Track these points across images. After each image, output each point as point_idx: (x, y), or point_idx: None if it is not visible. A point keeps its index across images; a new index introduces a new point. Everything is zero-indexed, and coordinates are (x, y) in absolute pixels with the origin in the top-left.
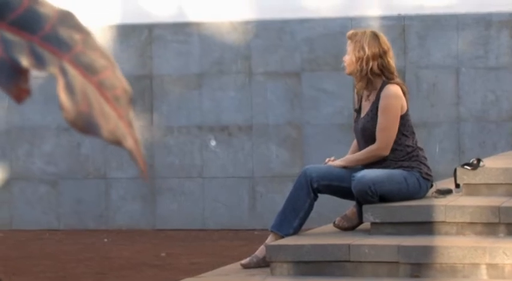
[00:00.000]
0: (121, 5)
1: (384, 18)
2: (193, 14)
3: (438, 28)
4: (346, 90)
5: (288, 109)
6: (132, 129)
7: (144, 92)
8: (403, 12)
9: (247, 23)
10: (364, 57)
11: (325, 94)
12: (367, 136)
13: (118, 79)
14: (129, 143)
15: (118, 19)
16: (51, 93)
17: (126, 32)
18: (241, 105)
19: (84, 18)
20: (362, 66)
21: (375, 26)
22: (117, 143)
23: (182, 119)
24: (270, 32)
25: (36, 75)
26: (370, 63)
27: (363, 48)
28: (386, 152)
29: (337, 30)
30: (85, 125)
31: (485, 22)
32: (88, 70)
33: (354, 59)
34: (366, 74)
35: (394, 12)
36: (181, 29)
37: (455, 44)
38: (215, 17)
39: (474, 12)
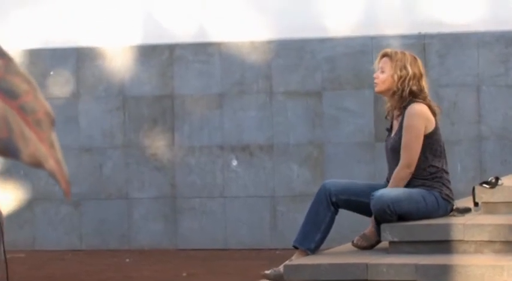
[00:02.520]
0: (142, 25)
1: (404, 37)
2: (214, 34)
3: (458, 46)
4: (367, 109)
5: (309, 128)
6: (54, 150)
7: (166, 112)
8: (423, 30)
9: (268, 42)
10: (407, 77)
11: (346, 113)
12: (396, 155)
13: (40, 103)
14: (49, 164)
15: (139, 39)
16: (72, 114)
17: (147, 53)
18: (262, 124)
19: (105, 39)
20: (403, 85)
21: (396, 45)
22: (38, 165)
23: (203, 139)
24: (290, 52)
25: (56, 96)
26: (410, 83)
27: (405, 67)
28: (411, 170)
29: (357, 49)
30: (4, 150)
31: (505, 40)
32: (8, 95)
33: (395, 77)
34: (403, 93)
35: (414, 30)
36: (202, 49)
37: (475, 62)
38: (236, 37)
39: (494, 30)
